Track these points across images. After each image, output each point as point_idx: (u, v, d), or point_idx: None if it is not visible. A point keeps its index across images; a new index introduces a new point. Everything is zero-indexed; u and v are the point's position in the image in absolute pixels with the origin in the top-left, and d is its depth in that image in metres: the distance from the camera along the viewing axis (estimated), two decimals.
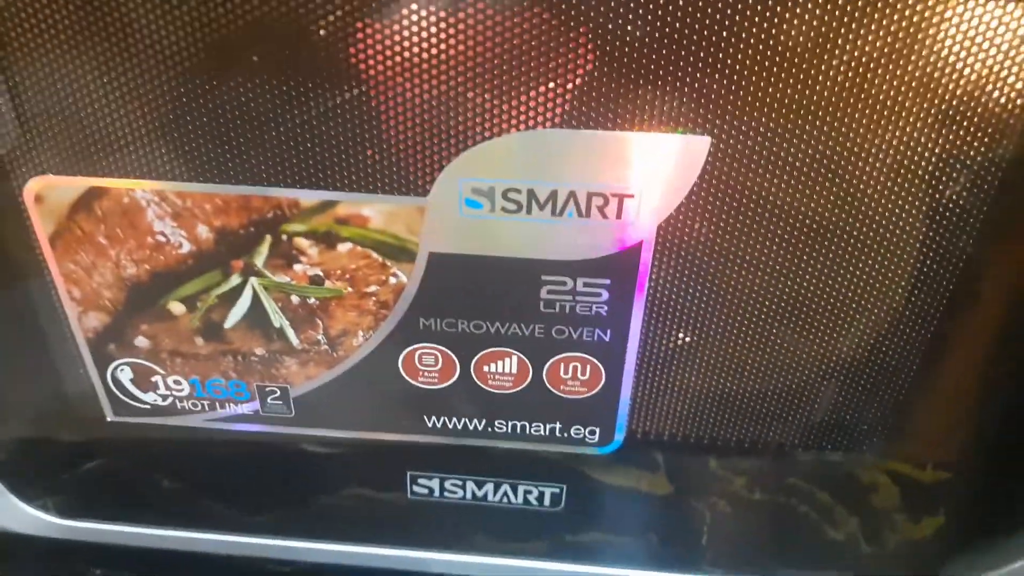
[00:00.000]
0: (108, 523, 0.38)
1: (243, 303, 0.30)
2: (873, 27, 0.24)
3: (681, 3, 0.24)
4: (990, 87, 0.25)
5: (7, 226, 0.29)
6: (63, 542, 0.38)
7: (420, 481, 0.36)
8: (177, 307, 0.30)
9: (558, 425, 0.33)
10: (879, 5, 0.24)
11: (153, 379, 0.33)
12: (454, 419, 0.33)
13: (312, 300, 0.30)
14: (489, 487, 0.37)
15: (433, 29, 0.24)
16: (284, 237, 0.28)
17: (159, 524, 0.38)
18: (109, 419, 0.35)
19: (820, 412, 0.34)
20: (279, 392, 0.33)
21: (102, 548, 0.38)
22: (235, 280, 0.29)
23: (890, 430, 0.34)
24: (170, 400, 0.33)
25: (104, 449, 0.36)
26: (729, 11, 0.24)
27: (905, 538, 0.39)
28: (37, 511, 0.37)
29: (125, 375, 0.33)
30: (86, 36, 0.25)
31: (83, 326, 0.31)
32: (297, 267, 0.29)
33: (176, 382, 0.33)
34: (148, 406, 0.34)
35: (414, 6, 0.24)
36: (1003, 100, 0.25)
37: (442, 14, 0.24)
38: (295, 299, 0.30)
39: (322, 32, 0.25)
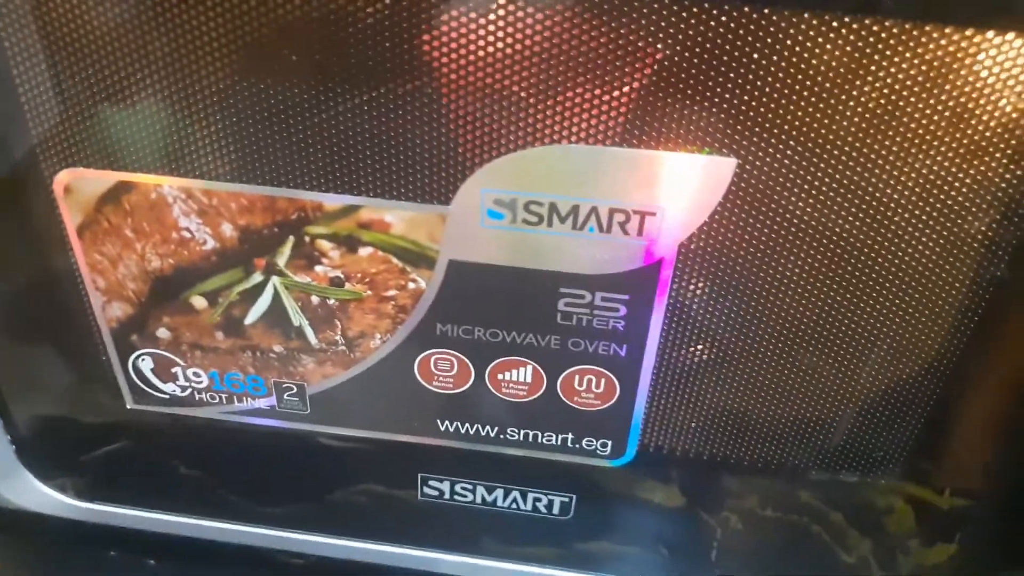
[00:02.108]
0: (124, 507, 0.39)
1: (264, 301, 0.30)
2: (905, 57, 0.24)
3: (712, 24, 0.24)
4: (1004, 128, 0.25)
5: (37, 215, 0.29)
6: (80, 524, 0.39)
7: (431, 483, 0.37)
8: (199, 301, 0.31)
9: (570, 436, 0.34)
10: (911, 36, 0.23)
11: (173, 370, 0.33)
12: (467, 424, 0.34)
13: (332, 301, 0.30)
14: (499, 492, 0.37)
15: (464, 40, 0.25)
16: (307, 238, 0.29)
17: (174, 511, 0.39)
18: (129, 407, 0.35)
19: (838, 436, 0.34)
20: (296, 389, 0.33)
21: (118, 531, 0.39)
22: (257, 278, 0.30)
23: (909, 456, 0.34)
24: (189, 391, 0.34)
25: (123, 435, 0.37)
26: (762, 34, 0.23)
27: (918, 563, 0.38)
28: (56, 492, 0.38)
29: (146, 365, 0.33)
30: (123, 36, 0.25)
31: (107, 315, 0.31)
32: (318, 268, 0.29)
33: (195, 374, 0.33)
34: (167, 396, 0.34)
35: (445, 16, 0.24)
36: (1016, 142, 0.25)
37: (473, 27, 0.24)
38: (315, 299, 0.30)
39: (353, 37, 0.25)
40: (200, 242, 0.29)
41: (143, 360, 0.33)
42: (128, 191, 0.28)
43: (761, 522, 0.38)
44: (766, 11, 0.23)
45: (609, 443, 0.34)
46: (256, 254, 0.29)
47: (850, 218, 0.27)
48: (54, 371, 0.34)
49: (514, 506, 0.37)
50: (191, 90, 0.26)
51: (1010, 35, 0.23)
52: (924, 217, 0.27)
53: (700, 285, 0.30)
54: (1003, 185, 0.26)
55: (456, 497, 0.37)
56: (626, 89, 0.25)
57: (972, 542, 0.37)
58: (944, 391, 0.32)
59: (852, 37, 0.23)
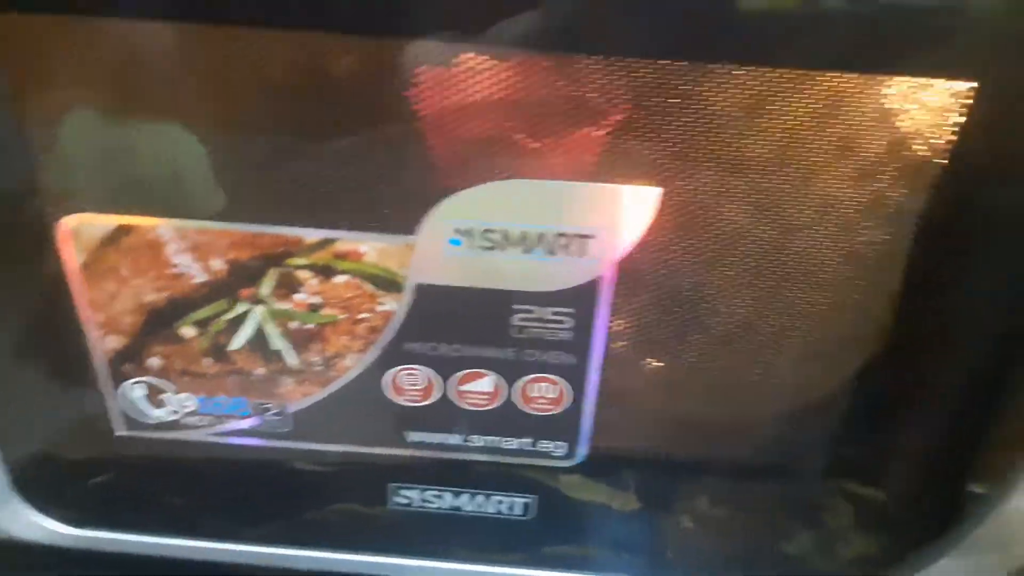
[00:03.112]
0: (118, 532, 0.41)
1: (248, 328, 0.34)
2: (799, 98, 0.29)
3: (637, 76, 0.28)
4: (898, 151, 0.29)
5: (40, 256, 0.32)
6: (76, 551, 0.41)
7: (401, 492, 0.40)
8: (189, 331, 0.34)
9: (529, 440, 0.37)
10: (803, 81, 0.28)
11: (163, 397, 0.36)
12: (434, 434, 0.37)
13: (310, 325, 0.34)
14: (464, 497, 0.40)
15: (427, 93, 0.29)
16: (288, 270, 0.32)
17: (163, 533, 0.41)
18: (120, 434, 0.38)
19: (767, 432, 0.38)
20: (277, 408, 0.36)
21: (114, 557, 0.41)
22: (241, 307, 0.33)
23: (833, 450, 0.38)
24: (177, 416, 0.37)
25: (116, 462, 0.39)
26: (677, 82, 0.28)
27: (856, 553, 0.42)
28: (52, 521, 0.40)
29: (138, 392, 0.36)
30: (123, 93, 0.29)
31: (103, 347, 0.34)
32: (298, 296, 0.33)
33: (184, 399, 0.36)
34: (157, 421, 0.37)
35: (411, 73, 0.28)
36: (909, 162, 0.29)
37: (435, 83, 0.28)
38: (294, 324, 0.34)
39: (328, 91, 0.29)
40: (191, 276, 0.32)
41: (135, 388, 0.36)
42: (127, 233, 0.31)
43: (713, 521, 0.42)
44: (678, 64, 0.28)
45: (564, 445, 0.38)
46: (242, 285, 0.33)
47: (763, 234, 0.32)
48: (49, 401, 0.37)
49: (479, 510, 0.40)
50: (185, 142, 0.30)
51: (890, 79, 0.28)
52: (823, 231, 0.32)
53: (638, 297, 0.34)
54: (891, 202, 0.31)
55: (425, 504, 0.40)
56: (565, 131, 0.30)
57: (899, 530, 0.41)
58: (863, 389, 0.36)
59: (753, 83, 0.28)
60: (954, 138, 0.29)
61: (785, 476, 0.40)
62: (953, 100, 0.28)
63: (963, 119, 0.28)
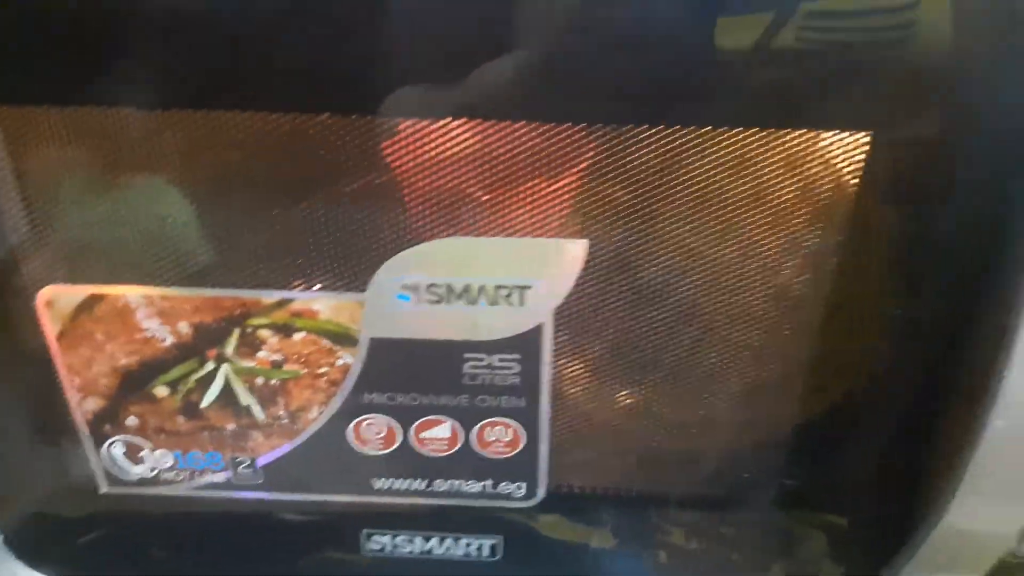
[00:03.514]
0: None
1: (217, 385, 0.36)
2: (709, 154, 0.31)
3: (561, 139, 0.31)
4: (807, 197, 0.32)
5: (20, 327, 0.35)
6: None
7: (374, 538, 0.42)
8: (162, 390, 0.36)
9: (489, 482, 0.39)
10: (712, 139, 0.30)
11: (141, 454, 0.38)
12: (399, 480, 0.39)
13: (274, 381, 0.36)
14: (435, 540, 0.42)
15: (367, 164, 0.31)
16: (249, 329, 0.35)
17: None
18: (104, 491, 0.40)
19: (720, 465, 0.40)
20: (249, 461, 0.38)
21: None
22: (210, 366, 0.36)
23: (787, 480, 0.40)
24: (156, 472, 0.39)
25: (101, 518, 0.42)
26: (599, 144, 0.31)
27: None
28: None
29: (118, 450, 0.38)
30: (91, 179, 0.32)
31: (83, 409, 0.37)
32: (261, 354, 0.35)
33: (161, 455, 0.38)
34: (138, 478, 0.39)
35: (351, 151, 0.31)
36: (815, 209, 0.32)
37: (376, 155, 0.31)
38: (260, 380, 0.36)
39: (280, 166, 0.32)
40: (160, 339, 0.35)
41: (115, 446, 0.38)
42: (99, 301, 0.34)
43: (688, 554, 0.43)
44: (596, 127, 0.31)
45: (524, 485, 0.39)
46: (208, 346, 0.35)
47: (691, 279, 0.34)
48: (37, 461, 0.39)
49: (449, 552, 0.42)
50: (152, 216, 0.32)
51: (794, 133, 0.31)
52: (745, 273, 0.34)
53: (580, 341, 0.36)
54: (807, 244, 0.33)
55: (397, 549, 0.42)
56: (501, 191, 0.32)
57: (859, 555, 0.42)
58: (805, 420, 0.38)
59: (665, 141, 0.31)
60: (856, 182, 0.31)
61: (748, 507, 0.42)
62: (852, 148, 0.30)
63: (862, 165, 0.31)
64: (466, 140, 0.31)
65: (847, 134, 0.30)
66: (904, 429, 0.36)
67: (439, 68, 0.29)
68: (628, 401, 0.38)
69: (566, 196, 0.32)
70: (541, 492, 0.40)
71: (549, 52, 0.29)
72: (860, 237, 0.32)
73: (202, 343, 0.35)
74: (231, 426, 0.37)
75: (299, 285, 0.34)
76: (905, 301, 0.33)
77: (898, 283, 0.33)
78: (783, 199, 0.32)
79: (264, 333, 0.35)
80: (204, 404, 0.37)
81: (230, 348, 0.35)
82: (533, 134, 0.31)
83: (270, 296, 0.34)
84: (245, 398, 0.36)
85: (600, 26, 0.28)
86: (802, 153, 0.31)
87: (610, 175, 0.31)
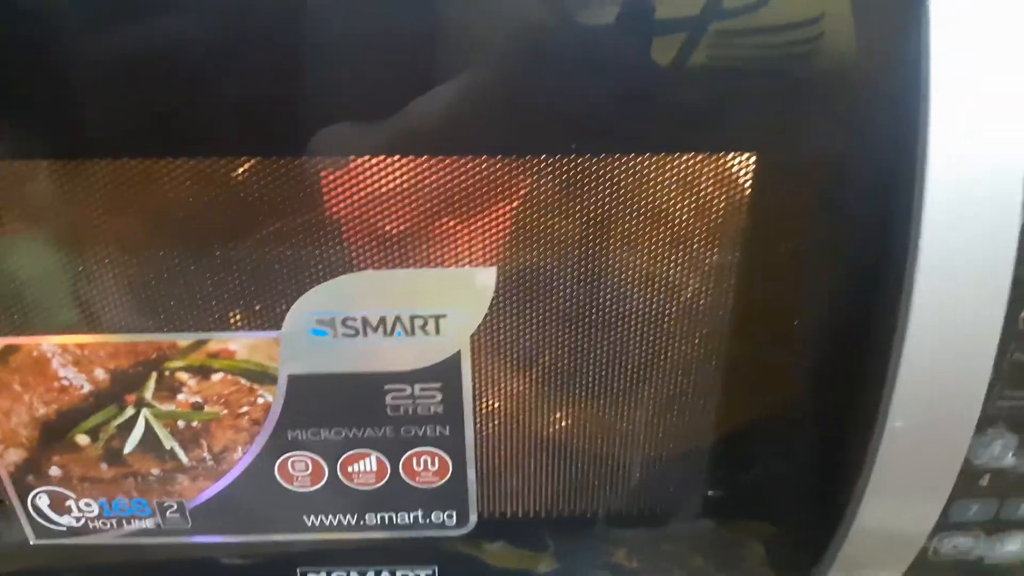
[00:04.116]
0: None
1: (138, 431, 0.36)
2: (605, 179, 0.32)
3: (457, 171, 0.32)
4: (703, 217, 0.33)
5: None
6: None
7: (309, 575, 0.42)
8: (83, 439, 0.36)
9: (420, 512, 0.39)
10: (604, 166, 0.32)
11: (67, 503, 0.38)
12: (329, 516, 0.39)
13: (195, 423, 0.36)
14: (371, 574, 0.42)
15: (272, 204, 0.32)
16: (167, 372, 0.35)
17: None
18: (35, 543, 0.40)
19: (651, 481, 0.41)
20: (176, 506, 0.38)
21: None
22: (129, 412, 0.36)
23: (714, 490, 0.41)
24: (83, 521, 0.39)
25: (35, 571, 0.41)
26: (494, 174, 0.32)
27: None
28: None
29: (43, 501, 0.38)
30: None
31: (5, 461, 0.37)
32: (180, 396, 0.35)
33: (87, 504, 0.38)
34: (65, 528, 0.39)
35: (254, 187, 0.32)
36: (714, 225, 0.33)
37: (275, 196, 0.32)
38: (181, 424, 0.36)
39: (186, 210, 0.32)
40: (77, 387, 0.35)
41: (40, 497, 0.38)
42: (14, 352, 0.34)
43: (632, 573, 0.44)
44: (494, 159, 0.32)
45: (454, 514, 0.40)
46: (126, 391, 0.35)
47: (600, 300, 0.35)
48: None
49: None
50: (57, 266, 0.33)
51: (684, 157, 0.32)
52: (656, 293, 0.35)
53: (499, 366, 0.37)
54: (707, 262, 0.34)
55: None
56: (408, 225, 0.33)
57: (789, 559, 0.43)
58: (725, 431, 0.39)
59: (561, 169, 0.32)
60: (747, 201, 0.32)
61: (683, 521, 0.42)
62: (740, 169, 0.32)
63: (750, 185, 0.32)
64: (373, 177, 0.32)
65: (734, 155, 0.31)
66: (815, 435, 0.37)
67: (354, 107, 0.30)
68: (551, 423, 0.38)
69: (473, 226, 0.33)
70: (473, 519, 0.40)
71: (449, 85, 0.30)
72: (755, 255, 0.34)
73: (120, 389, 0.35)
74: (156, 471, 0.37)
75: (213, 326, 0.34)
76: (804, 313, 0.35)
77: (795, 296, 0.34)
78: (680, 221, 0.33)
79: (182, 376, 0.35)
80: (127, 450, 0.37)
81: (149, 392, 0.35)
82: (438, 167, 0.32)
83: (185, 338, 0.34)
84: (168, 442, 0.36)
85: (507, 60, 0.29)
86: (695, 174, 0.32)
87: (513, 204, 0.32)
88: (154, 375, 0.35)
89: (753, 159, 0.32)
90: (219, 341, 0.34)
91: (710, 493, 0.41)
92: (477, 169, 0.32)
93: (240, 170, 0.31)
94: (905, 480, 0.32)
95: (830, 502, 0.37)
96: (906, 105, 0.29)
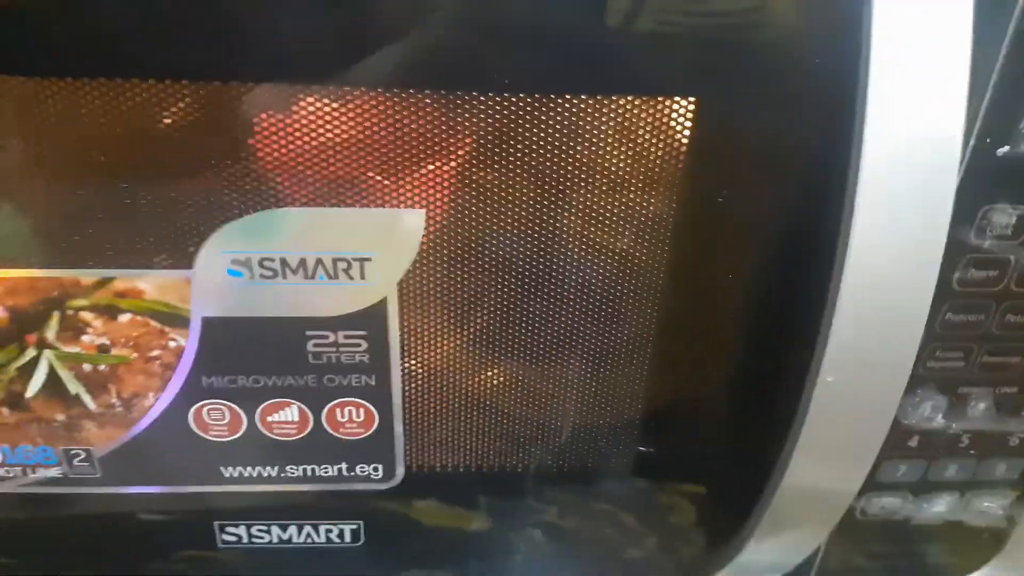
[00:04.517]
0: None
1: (40, 374, 0.34)
2: (540, 121, 0.31)
3: (389, 105, 0.30)
4: (639, 165, 0.32)
5: None
6: None
7: (228, 530, 0.40)
8: None
9: (344, 465, 0.38)
10: (538, 107, 0.30)
11: None
12: (248, 468, 0.38)
13: (103, 367, 0.34)
14: (293, 529, 0.41)
15: (189, 128, 0.30)
16: (70, 312, 0.33)
17: None
18: None
19: (579, 438, 0.40)
20: (84, 454, 0.36)
21: None
22: (31, 353, 0.33)
23: (641, 449, 0.40)
24: None
25: None
26: (424, 111, 0.30)
27: (695, 550, 0.44)
28: None
29: None
30: None
31: None
32: (85, 338, 0.33)
33: None
34: None
35: (177, 113, 0.29)
36: (651, 174, 0.32)
37: (191, 122, 0.30)
38: (87, 367, 0.34)
39: (87, 136, 0.30)
40: None
41: None
42: None
43: (563, 532, 0.43)
44: (424, 94, 0.30)
45: (380, 467, 0.38)
46: (27, 331, 0.33)
47: (532, 250, 0.34)
48: None
49: (309, 540, 0.41)
50: None
51: (620, 99, 0.30)
52: (590, 243, 0.34)
53: (427, 315, 0.35)
54: (642, 212, 0.33)
55: (254, 540, 0.41)
56: (333, 161, 0.31)
57: (718, 521, 0.43)
58: (654, 388, 0.38)
59: (495, 110, 0.30)
60: (684, 151, 0.31)
61: (614, 480, 0.42)
62: (679, 116, 0.31)
63: (688, 133, 0.31)
64: (297, 107, 0.30)
65: (675, 100, 0.30)
66: (745, 394, 0.36)
67: (283, 30, 0.28)
68: (480, 375, 0.37)
69: (401, 165, 0.31)
70: (400, 472, 0.39)
71: (387, 16, 0.28)
72: (691, 205, 0.33)
73: (20, 328, 0.33)
74: (61, 416, 0.35)
75: (120, 263, 0.32)
76: (737, 267, 0.34)
77: (730, 252, 0.34)
78: (616, 169, 0.32)
79: (87, 315, 0.33)
80: (29, 394, 0.34)
81: (51, 332, 0.33)
82: (366, 100, 0.30)
83: (89, 275, 0.32)
84: (73, 386, 0.34)
85: None
86: (631, 121, 0.31)
87: (446, 143, 0.31)
88: (56, 314, 0.33)
89: (693, 105, 0.30)
90: (126, 279, 0.32)
91: (640, 450, 0.40)
92: (406, 104, 0.30)
93: (153, 91, 0.29)
94: (834, 438, 0.32)
95: (760, 461, 0.36)
96: (847, 65, 0.28)
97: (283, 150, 0.31)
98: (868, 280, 0.29)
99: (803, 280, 0.32)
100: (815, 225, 0.31)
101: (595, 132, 0.31)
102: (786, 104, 0.30)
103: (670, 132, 0.31)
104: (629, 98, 0.30)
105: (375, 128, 0.30)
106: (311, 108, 0.30)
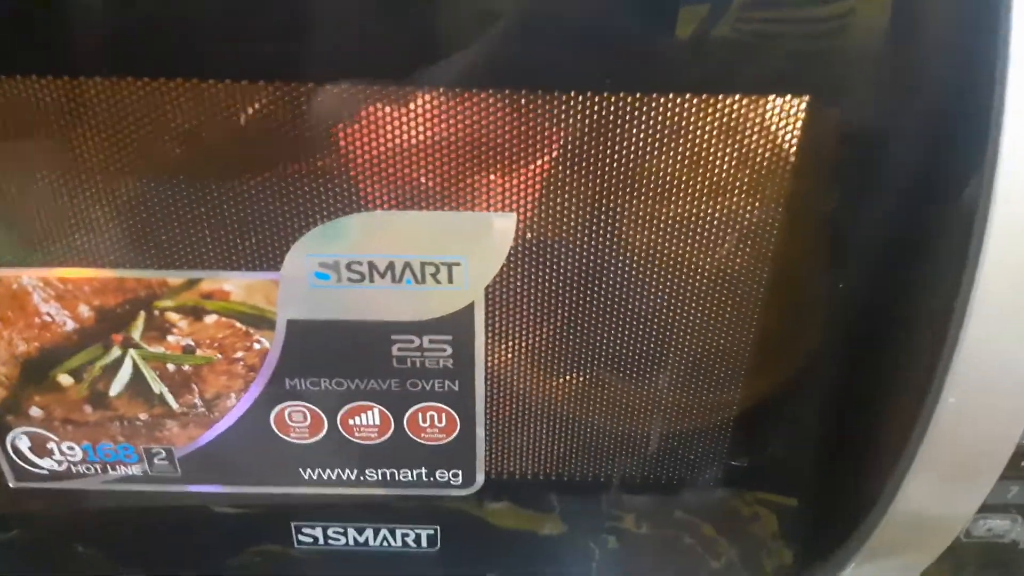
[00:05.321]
0: None
1: (124, 373, 0.34)
2: (642, 122, 0.29)
3: (480, 111, 0.29)
4: (745, 166, 0.30)
5: None
6: None
7: (304, 531, 0.40)
8: (66, 379, 0.34)
9: (424, 470, 0.37)
10: (641, 106, 0.28)
11: (48, 446, 0.36)
12: (328, 470, 0.37)
13: (186, 367, 0.34)
14: (369, 532, 0.40)
15: (275, 130, 0.29)
16: (156, 312, 0.32)
17: None
18: (14, 486, 0.37)
19: (657, 446, 0.38)
20: (164, 453, 0.36)
21: None
22: (116, 352, 0.33)
23: (736, 461, 0.39)
24: (65, 465, 0.36)
25: (15, 516, 0.39)
26: (515, 113, 0.28)
27: (778, 563, 0.42)
28: None
29: (23, 443, 0.36)
30: None
31: None
32: (170, 338, 0.33)
33: (69, 448, 0.36)
34: (46, 471, 0.37)
35: (265, 114, 0.29)
36: (751, 179, 0.30)
37: (281, 126, 0.29)
38: (171, 367, 0.34)
39: (185, 136, 0.29)
40: (60, 324, 0.32)
41: (20, 439, 0.36)
42: None
43: (637, 539, 0.42)
44: (521, 94, 0.28)
45: (460, 473, 0.38)
46: (113, 330, 0.33)
47: (627, 256, 0.32)
48: None
49: (385, 544, 0.40)
50: (39, 194, 0.30)
51: (729, 100, 0.29)
52: (689, 249, 0.32)
53: (511, 321, 0.34)
54: (746, 216, 0.31)
55: (330, 542, 0.40)
56: (423, 163, 0.30)
57: (810, 538, 0.41)
58: (751, 400, 0.36)
59: (593, 109, 0.29)
60: (793, 153, 0.29)
61: (698, 490, 0.40)
62: (787, 116, 0.29)
63: (797, 135, 0.29)
64: (388, 109, 0.29)
65: (785, 99, 0.28)
66: (849, 409, 0.35)
67: (371, 34, 0.27)
68: (567, 383, 0.36)
69: (494, 167, 0.30)
70: (480, 479, 0.38)
71: (484, 14, 0.27)
72: (797, 211, 0.31)
73: (106, 327, 0.32)
74: (143, 416, 0.35)
75: (208, 264, 0.31)
76: (846, 278, 0.32)
77: (838, 260, 0.32)
78: (720, 171, 0.30)
79: (172, 316, 0.32)
80: (112, 393, 0.34)
81: (136, 332, 0.32)
82: (458, 101, 0.28)
83: (176, 276, 0.31)
84: (156, 385, 0.34)
85: None
86: (739, 120, 0.29)
87: (542, 144, 0.29)
88: (142, 314, 0.32)
89: (804, 104, 0.28)
90: (213, 281, 0.31)
91: (728, 463, 0.39)
92: (500, 104, 0.28)
93: (245, 95, 0.28)
94: (953, 461, 0.30)
95: (863, 481, 0.34)
96: (976, 70, 0.26)
97: (372, 152, 0.29)
98: (999, 294, 0.27)
99: (918, 299, 0.30)
100: (932, 238, 0.29)
101: (698, 132, 0.29)
102: (900, 109, 0.28)
103: (777, 134, 0.29)
104: (735, 97, 0.29)
105: (468, 129, 0.29)
106: (400, 109, 0.29)
